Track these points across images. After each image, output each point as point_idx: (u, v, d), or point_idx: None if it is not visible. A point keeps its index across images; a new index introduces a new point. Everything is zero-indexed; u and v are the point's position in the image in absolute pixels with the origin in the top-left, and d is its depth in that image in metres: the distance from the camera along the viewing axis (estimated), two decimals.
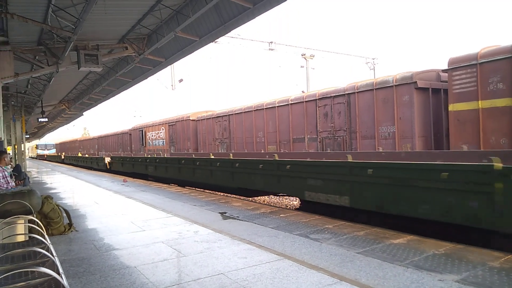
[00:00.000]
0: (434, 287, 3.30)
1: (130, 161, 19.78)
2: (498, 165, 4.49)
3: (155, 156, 17.19)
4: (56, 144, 66.87)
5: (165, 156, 19.93)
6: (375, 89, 12.31)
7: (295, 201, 11.16)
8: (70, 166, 32.58)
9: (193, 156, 13.67)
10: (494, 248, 4.57)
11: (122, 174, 19.20)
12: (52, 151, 61.70)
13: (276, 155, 8.55)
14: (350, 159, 6.68)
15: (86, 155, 35.25)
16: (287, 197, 12.06)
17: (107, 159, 23.31)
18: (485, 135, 9.48)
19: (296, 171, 7.80)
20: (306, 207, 8.00)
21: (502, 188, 4.45)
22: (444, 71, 10.71)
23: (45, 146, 64.64)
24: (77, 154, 38.49)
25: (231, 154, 11.38)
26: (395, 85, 11.64)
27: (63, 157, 43.68)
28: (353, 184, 6.49)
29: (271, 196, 12.39)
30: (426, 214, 5.32)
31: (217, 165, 10.88)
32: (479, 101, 9.55)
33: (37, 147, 69.01)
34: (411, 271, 3.71)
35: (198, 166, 12.19)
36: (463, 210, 4.86)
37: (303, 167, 7.68)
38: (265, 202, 11.51)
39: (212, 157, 12.07)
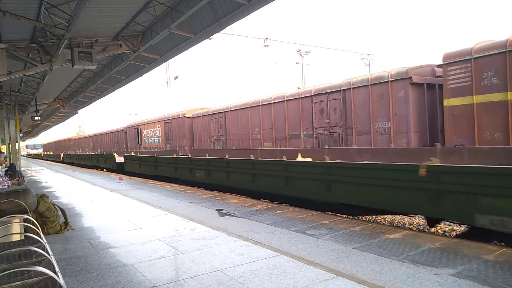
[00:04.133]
0: (430, 281, 3.33)
1: (68, 156, 38.44)
2: None
3: (80, 153, 37.39)
4: (51, 143, 72.89)
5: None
6: (371, 84, 12.34)
7: None
8: (49, 161, 44.29)
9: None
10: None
11: (69, 164, 33.13)
12: (40, 150, 73.00)
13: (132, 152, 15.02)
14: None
15: (52, 153, 53.93)
16: None
17: (62, 155, 41.52)
18: (480, 130, 9.55)
19: None
20: None
21: None
22: (439, 66, 10.75)
23: (34, 146, 75.87)
24: (50, 153, 56.03)
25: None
26: (391, 81, 11.67)
27: (42, 155, 59.54)
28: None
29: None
30: None
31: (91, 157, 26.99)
32: (474, 96, 9.60)
33: (27, 147, 77.35)
34: (407, 265, 3.74)
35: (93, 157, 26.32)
36: None
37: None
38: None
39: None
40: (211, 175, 11.29)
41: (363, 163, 6.87)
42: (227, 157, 10.80)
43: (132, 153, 21.51)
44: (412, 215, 7.76)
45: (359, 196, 6.38)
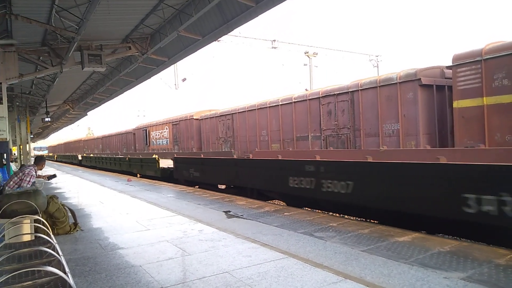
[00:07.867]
0: (439, 284, 3.29)
1: (59, 156, 52.37)
2: None
3: (65, 154, 51.20)
4: (60, 145, 78.49)
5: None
6: (379, 86, 12.26)
7: None
8: (60, 163, 48.18)
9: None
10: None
11: (61, 162, 43.80)
12: (45, 152, 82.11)
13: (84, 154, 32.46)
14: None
15: (51, 154, 66.94)
16: None
17: (55, 156, 54.89)
18: (490, 132, 9.42)
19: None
20: None
21: None
22: (448, 67, 10.64)
23: (40, 148, 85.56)
24: (50, 154, 69.47)
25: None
26: (399, 82, 11.58)
27: (45, 156, 67.22)
28: None
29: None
30: None
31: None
32: (484, 98, 9.48)
33: (34, 149, 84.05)
34: (416, 268, 3.70)
35: (70, 156, 44.06)
36: None
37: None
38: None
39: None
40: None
41: (136, 158, 21.07)
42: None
43: (91, 154, 37.68)
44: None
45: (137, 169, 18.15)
